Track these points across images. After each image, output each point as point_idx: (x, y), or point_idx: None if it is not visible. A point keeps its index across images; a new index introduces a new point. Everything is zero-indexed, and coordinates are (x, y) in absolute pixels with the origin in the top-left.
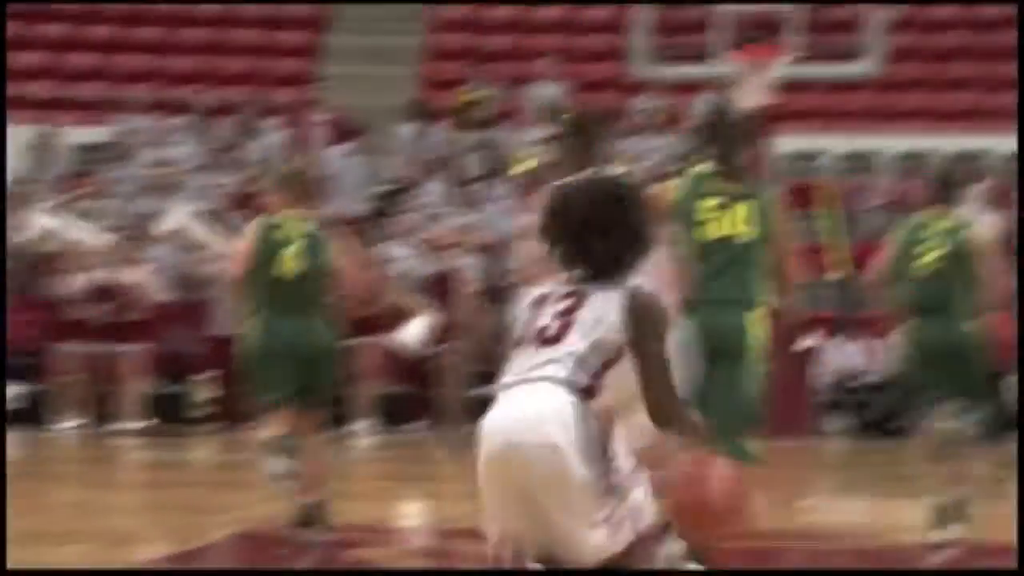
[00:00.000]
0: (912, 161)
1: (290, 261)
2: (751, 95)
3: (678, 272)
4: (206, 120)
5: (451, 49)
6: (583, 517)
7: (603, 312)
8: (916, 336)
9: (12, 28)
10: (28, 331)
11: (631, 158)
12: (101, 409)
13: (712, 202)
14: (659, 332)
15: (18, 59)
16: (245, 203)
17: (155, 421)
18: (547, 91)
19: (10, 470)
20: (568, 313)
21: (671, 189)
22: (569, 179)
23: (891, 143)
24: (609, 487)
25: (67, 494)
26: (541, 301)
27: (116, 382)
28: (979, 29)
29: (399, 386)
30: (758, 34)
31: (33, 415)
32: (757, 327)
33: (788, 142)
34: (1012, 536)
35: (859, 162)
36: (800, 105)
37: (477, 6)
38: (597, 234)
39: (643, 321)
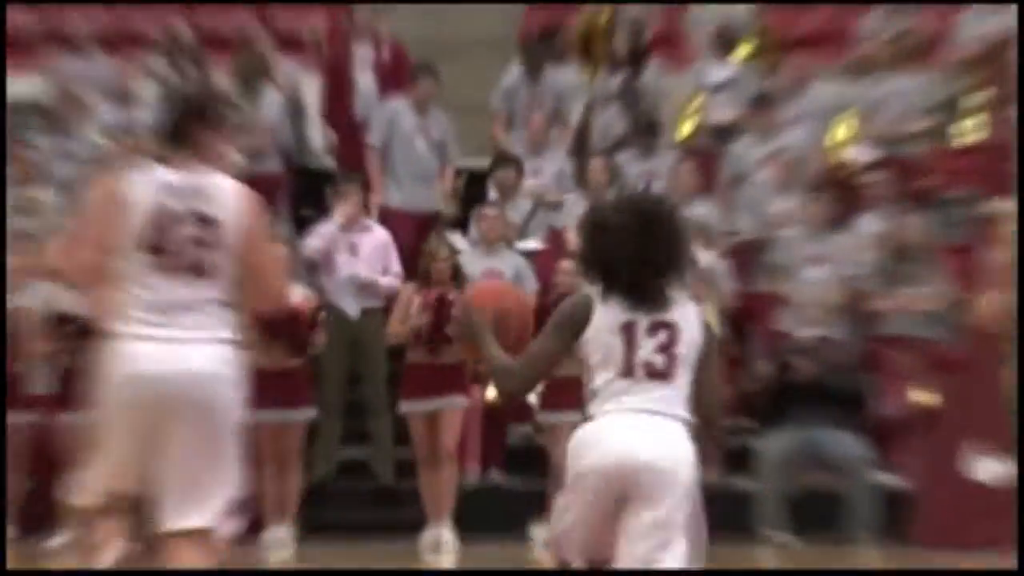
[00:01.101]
0: None
1: None
2: None
3: None
4: (193, 62)
5: None
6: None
7: (691, 336)
8: None
9: None
10: None
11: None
12: None
13: None
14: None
15: None
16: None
17: None
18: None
19: None
20: (671, 347)
21: None
22: (609, 202)
23: None
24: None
25: None
26: (630, 328)
27: None
28: None
29: None
30: None
31: None
32: None
33: None
34: None
35: None
36: None
37: None
38: (660, 260)
39: (712, 334)
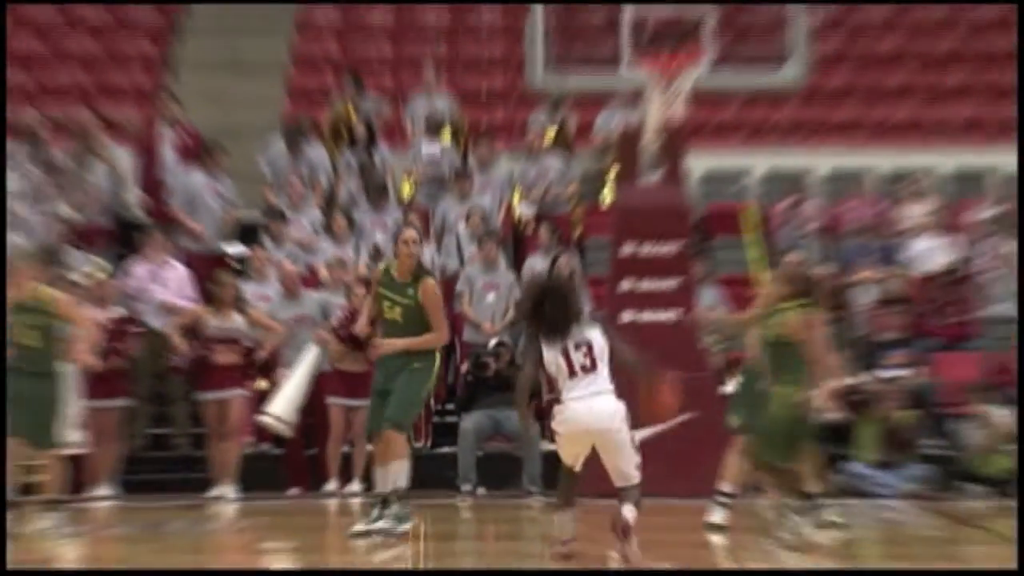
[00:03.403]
0: (843, 182)
1: None
2: (663, 108)
3: None
4: (40, 142)
5: (323, 57)
6: (627, 460)
7: (599, 343)
8: None
9: None
10: None
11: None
12: None
13: None
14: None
15: None
16: (84, 237)
17: None
18: (433, 104)
19: None
20: (590, 353)
21: None
22: (535, 280)
23: (820, 161)
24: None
25: None
26: (566, 351)
27: None
28: (916, 33)
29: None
30: (669, 39)
31: None
32: None
33: (706, 161)
34: None
35: (785, 182)
36: (718, 118)
37: (350, 7)
38: (571, 313)
39: (607, 332)
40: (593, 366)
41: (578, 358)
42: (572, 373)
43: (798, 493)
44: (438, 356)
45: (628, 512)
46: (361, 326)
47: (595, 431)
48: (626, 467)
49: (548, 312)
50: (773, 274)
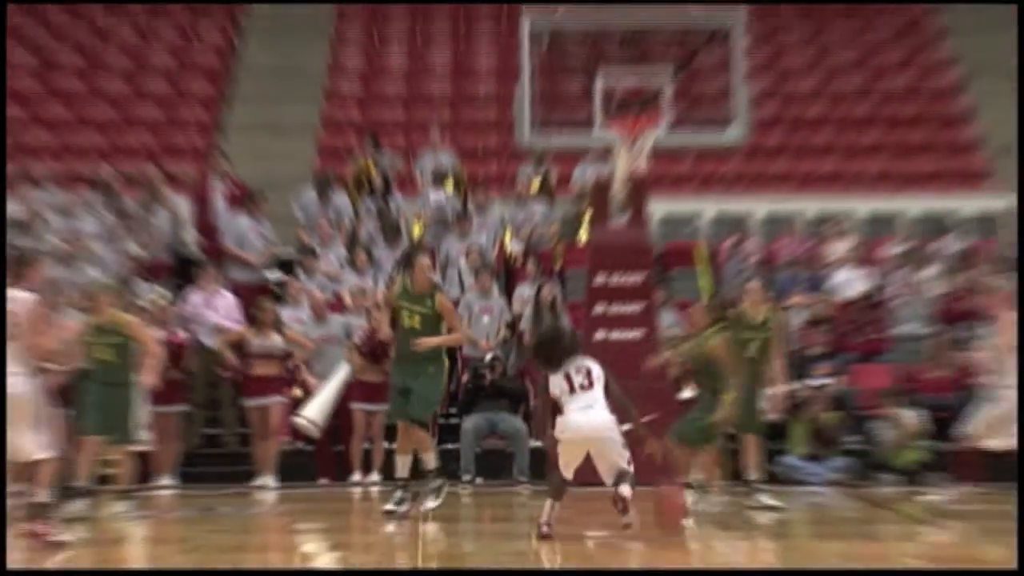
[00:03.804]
0: (778, 223)
1: None
2: (628, 162)
3: None
4: (113, 192)
5: (347, 121)
6: (619, 456)
7: (596, 370)
8: None
9: None
10: None
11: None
12: None
13: None
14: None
15: None
16: (150, 271)
17: None
18: (438, 159)
19: None
20: (588, 375)
21: None
22: (546, 326)
23: (759, 206)
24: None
25: None
26: (568, 376)
27: None
28: (837, 101)
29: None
30: (634, 105)
31: None
32: None
33: (664, 206)
34: None
35: (730, 224)
36: (674, 171)
37: (371, 80)
38: (571, 350)
39: (609, 379)
40: (590, 385)
41: (578, 379)
42: (572, 390)
43: (727, 475)
44: (447, 362)
45: (625, 490)
46: (385, 334)
47: (592, 438)
48: (620, 463)
49: (553, 353)
50: (700, 305)
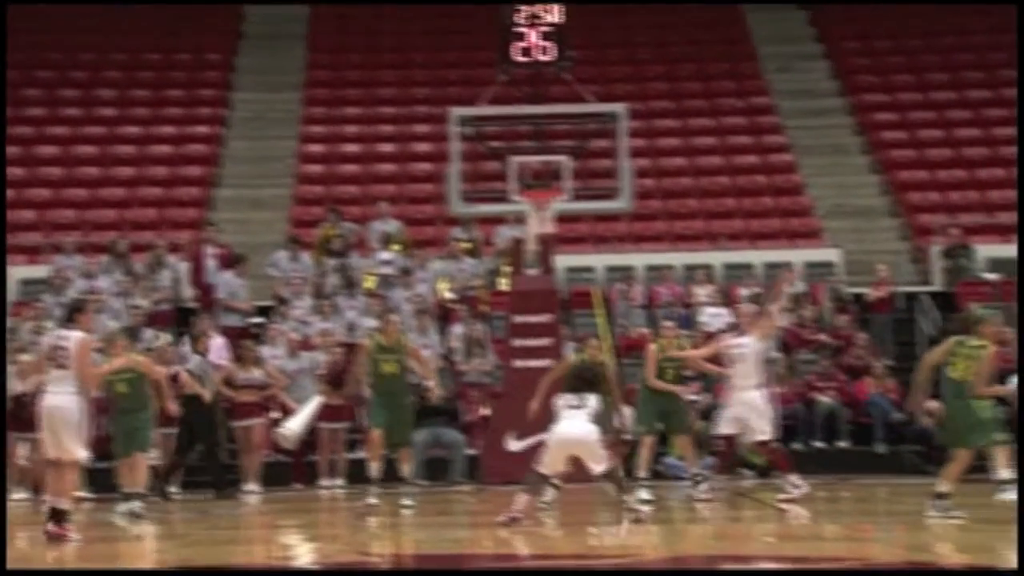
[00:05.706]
0: (657, 272)
1: None
2: (538, 225)
3: None
4: (124, 257)
5: (313, 197)
6: (600, 457)
7: (592, 402)
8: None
9: None
10: None
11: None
12: None
13: None
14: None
15: None
16: (154, 320)
17: None
18: (387, 226)
19: None
20: (584, 403)
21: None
22: (579, 362)
23: (641, 258)
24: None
25: None
26: (570, 401)
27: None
28: (699, 174)
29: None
30: (541, 180)
31: None
32: None
33: (567, 259)
34: None
35: (619, 273)
36: (574, 232)
37: (332, 164)
38: (595, 382)
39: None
40: (581, 407)
41: (574, 402)
42: (569, 408)
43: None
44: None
45: (613, 480)
46: (359, 375)
47: (578, 442)
48: (601, 464)
49: (581, 384)
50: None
